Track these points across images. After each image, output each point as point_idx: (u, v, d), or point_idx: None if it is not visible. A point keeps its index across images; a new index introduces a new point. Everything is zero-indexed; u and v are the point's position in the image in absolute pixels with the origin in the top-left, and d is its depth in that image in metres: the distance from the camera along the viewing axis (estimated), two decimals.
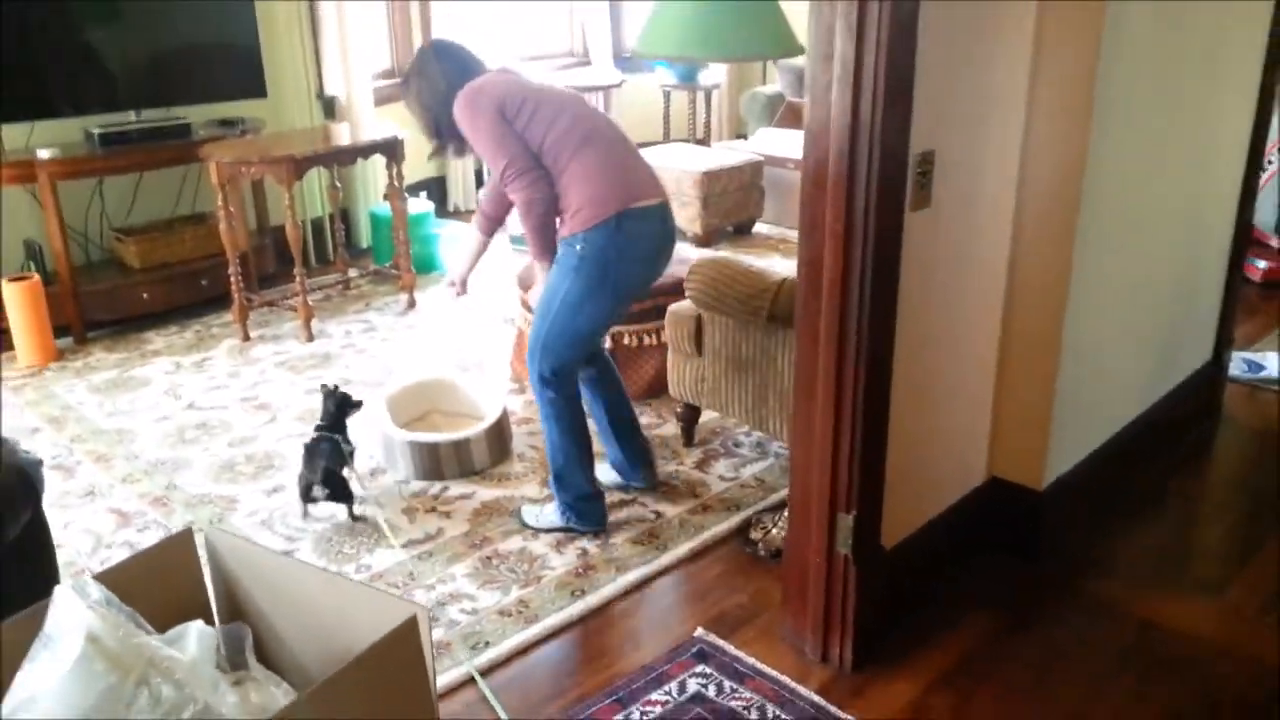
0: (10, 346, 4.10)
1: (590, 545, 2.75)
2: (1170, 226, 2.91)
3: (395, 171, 4.53)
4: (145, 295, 4.38)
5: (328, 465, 2.85)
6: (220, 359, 4.12)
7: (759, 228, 5.82)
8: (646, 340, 3.61)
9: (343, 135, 4.71)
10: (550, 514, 2.82)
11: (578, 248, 2.57)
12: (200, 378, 3.94)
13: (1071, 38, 2.29)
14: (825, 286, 2.03)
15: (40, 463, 1.99)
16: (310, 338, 4.29)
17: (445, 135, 2.81)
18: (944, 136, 2.15)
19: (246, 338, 4.31)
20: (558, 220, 2.64)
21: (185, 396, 3.77)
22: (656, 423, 3.48)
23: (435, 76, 2.76)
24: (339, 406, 3.02)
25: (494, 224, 2.98)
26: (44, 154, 4.04)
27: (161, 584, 1.50)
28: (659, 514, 2.91)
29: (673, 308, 3.17)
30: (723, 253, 5.20)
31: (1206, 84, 2.84)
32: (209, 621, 1.57)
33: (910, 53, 1.94)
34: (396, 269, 4.71)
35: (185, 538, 1.59)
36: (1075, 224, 2.41)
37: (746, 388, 2.98)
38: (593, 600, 2.53)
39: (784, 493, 2.85)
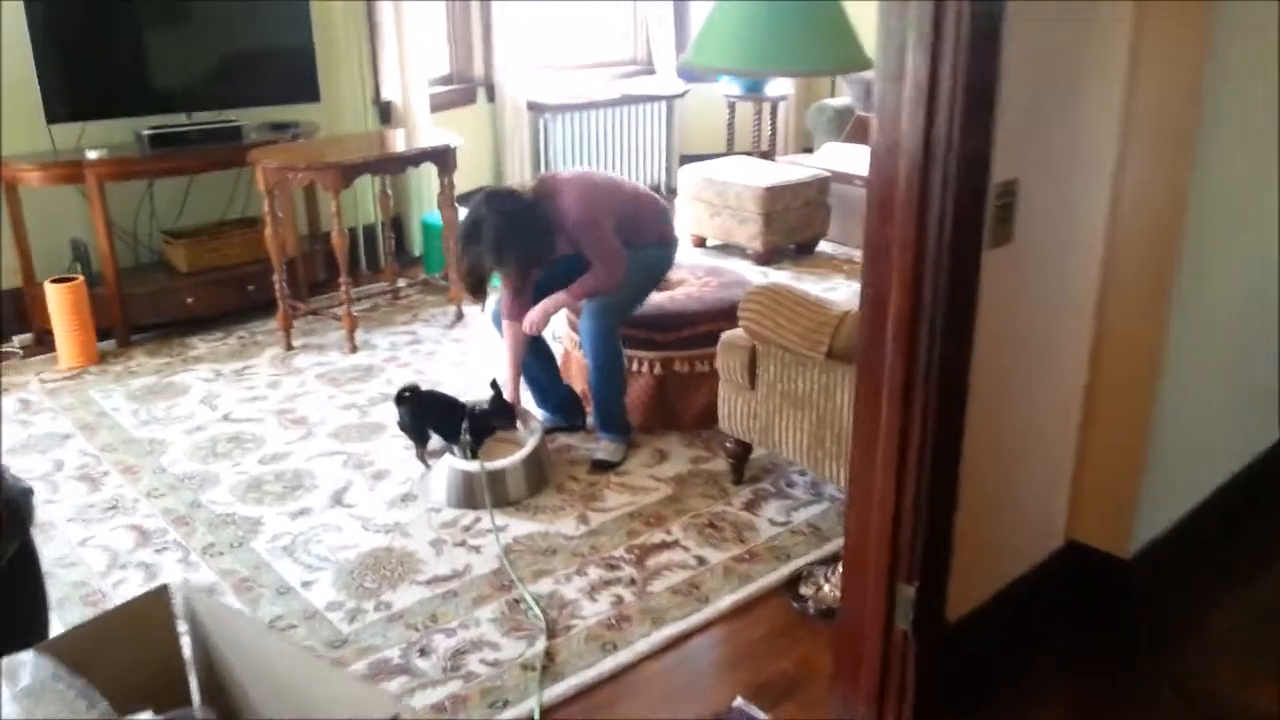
0: (52, 348, 4.05)
1: (626, 592, 2.56)
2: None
3: (447, 180, 4.39)
4: (190, 300, 4.30)
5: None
6: (261, 368, 4.02)
7: (823, 246, 5.58)
8: (698, 367, 3.41)
9: (397, 141, 4.59)
10: (622, 448, 3.27)
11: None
12: (238, 387, 3.83)
13: (1173, 51, 2.04)
14: (890, 329, 1.81)
15: (30, 491, 1.86)
16: (354, 348, 4.17)
17: (538, 260, 3.11)
18: (1028, 164, 1.92)
19: (290, 346, 4.20)
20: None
21: (221, 407, 3.67)
22: (704, 456, 3.27)
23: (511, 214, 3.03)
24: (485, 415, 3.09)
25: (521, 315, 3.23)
26: (92, 155, 3.98)
27: (131, 649, 1.35)
28: (702, 560, 2.71)
29: (725, 336, 2.96)
30: (782, 275, 4.98)
31: None
32: (182, 695, 1.40)
33: (993, 67, 1.72)
34: (446, 280, 4.57)
35: (160, 597, 1.43)
36: (1174, 262, 2.16)
37: (802, 426, 2.76)
38: (624, 656, 2.33)
39: (838, 543, 2.63)
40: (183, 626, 1.54)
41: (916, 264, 1.75)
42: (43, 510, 2.95)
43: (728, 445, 3.10)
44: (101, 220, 4.04)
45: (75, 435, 3.45)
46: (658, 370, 3.40)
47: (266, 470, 3.20)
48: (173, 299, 4.28)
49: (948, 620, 2.02)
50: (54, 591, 2.45)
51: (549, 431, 3.40)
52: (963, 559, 2.00)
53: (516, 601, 2.53)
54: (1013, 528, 2.24)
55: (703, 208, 5.47)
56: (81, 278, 4.02)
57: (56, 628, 2.03)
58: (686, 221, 5.48)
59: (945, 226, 1.73)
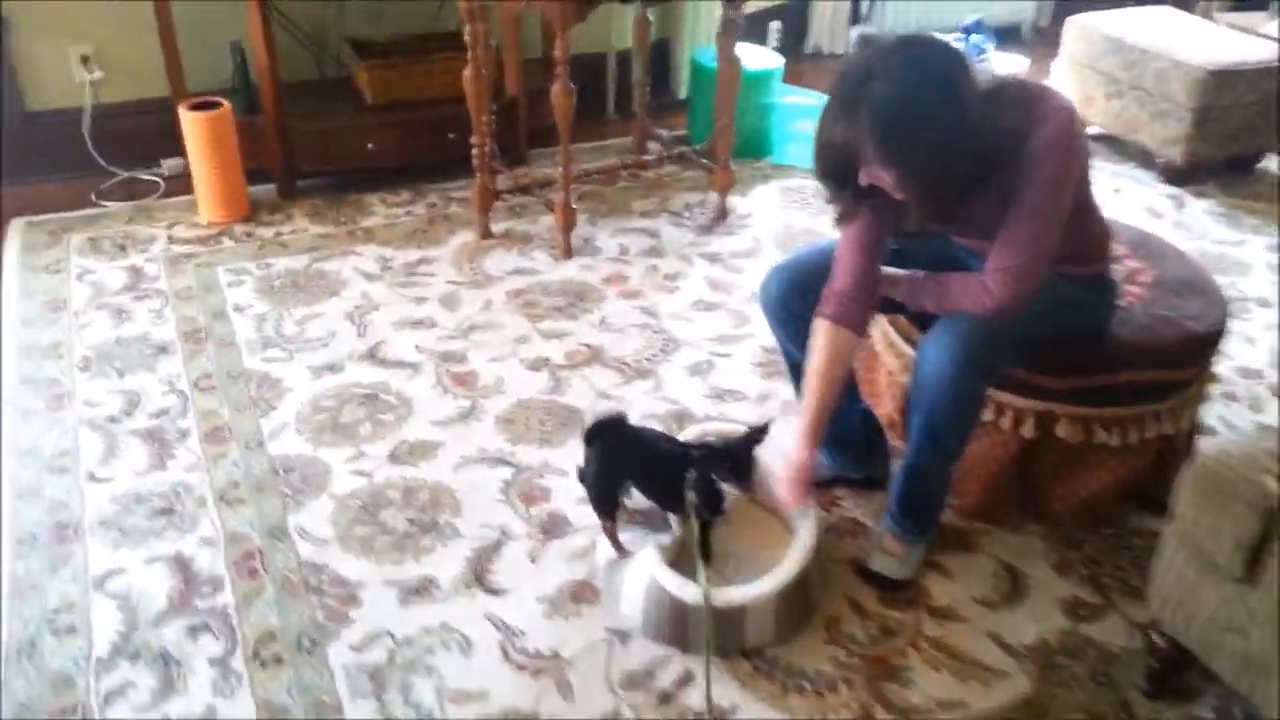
0: (189, 192, 3.09)
1: None
2: None
3: (731, 6, 2.95)
4: (372, 145, 3.20)
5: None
6: (441, 266, 2.90)
7: (1269, 163, 3.73)
8: (1100, 437, 1.98)
9: None
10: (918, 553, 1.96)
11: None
12: (404, 297, 2.74)
13: None
14: None
15: None
16: (568, 252, 2.96)
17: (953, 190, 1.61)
18: None
19: (486, 233, 3.05)
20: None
21: (373, 330, 2.60)
22: (1087, 603, 1.90)
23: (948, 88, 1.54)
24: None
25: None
26: None
27: None
28: None
29: (1208, 458, 1.52)
30: (1200, 210, 3.11)
31: None
32: None
33: None
34: (711, 159, 3.22)
35: None
36: None
37: None
38: None
39: None
40: None
41: None
42: (61, 491, 2.03)
43: (1154, 638, 1.71)
44: (258, 22, 2.93)
45: (173, 350, 2.50)
46: (1027, 429, 1.99)
47: (393, 476, 2.12)
48: (350, 141, 3.19)
49: None
50: None
51: (826, 484, 2.13)
52: None
53: None
54: None
55: (1096, 81, 3.73)
56: (227, 106, 2.97)
57: None
58: (1064, 92, 3.76)
59: None
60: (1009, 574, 1.98)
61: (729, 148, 3.11)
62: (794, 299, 1.92)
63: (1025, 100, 1.61)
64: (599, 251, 3.01)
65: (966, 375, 1.72)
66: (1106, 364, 1.94)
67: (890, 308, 1.92)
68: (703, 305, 2.78)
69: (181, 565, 1.88)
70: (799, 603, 1.81)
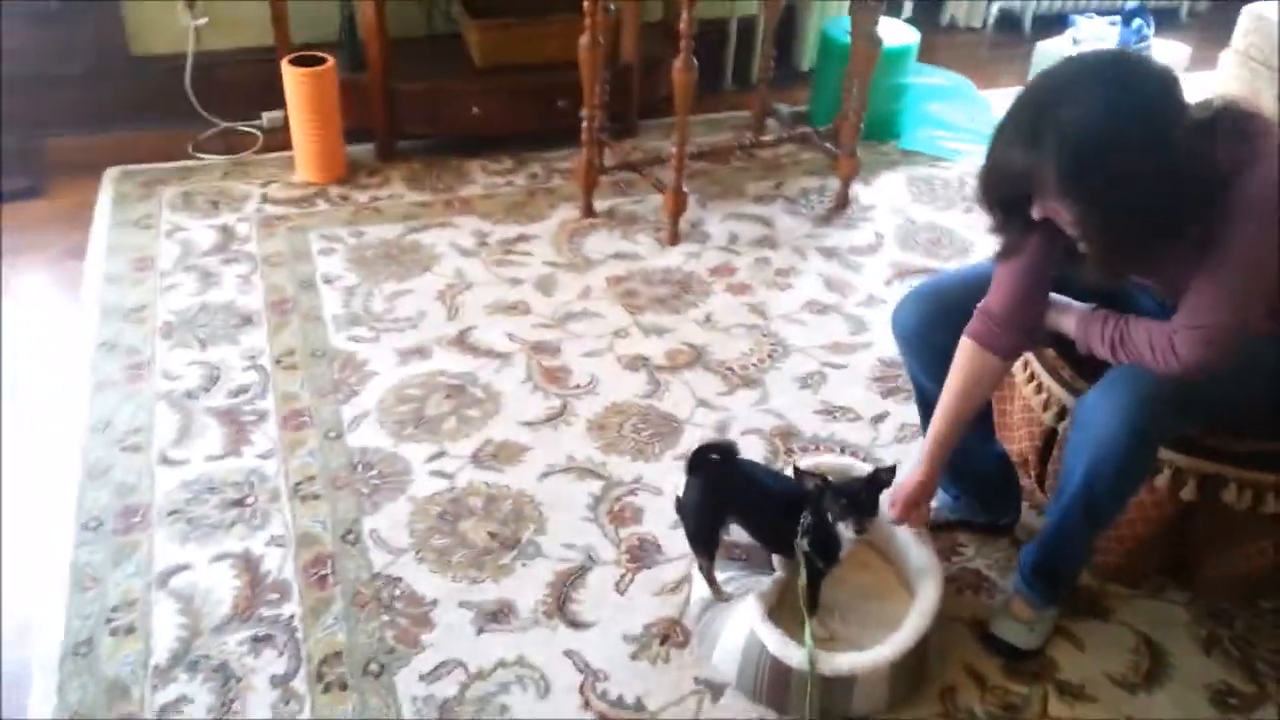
0: (287, 148, 2.97)
1: None
2: None
3: None
4: (477, 110, 3.03)
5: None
6: (540, 245, 2.74)
7: None
8: (1271, 505, 1.72)
9: None
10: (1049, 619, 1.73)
11: None
12: (499, 277, 2.59)
13: None
14: None
15: None
16: (675, 238, 2.77)
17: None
18: None
19: (589, 211, 2.87)
20: None
21: (464, 312, 2.45)
22: (1238, 690, 1.67)
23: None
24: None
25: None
26: None
27: None
28: None
29: None
30: None
31: None
32: None
33: None
34: (835, 143, 2.97)
35: None
36: None
37: None
38: None
39: None
40: None
41: None
42: (132, 473, 1.94)
43: None
44: None
45: (258, 321, 2.39)
46: (1188, 491, 1.74)
47: (476, 481, 1.98)
48: (455, 104, 3.03)
49: None
50: None
51: (944, 527, 1.92)
52: None
53: None
54: None
55: (1270, 79, 3.35)
56: (331, 63, 2.83)
57: None
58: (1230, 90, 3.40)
59: None
60: (1148, 649, 1.76)
61: (857, 133, 2.86)
62: (933, 330, 1.70)
63: (1241, 134, 1.35)
64: (707, 238, 2.81)
65: (1141, 443, 1.48)
66: None
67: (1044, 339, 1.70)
68: (817, 307, 2.56)
69: (249, 566, 1.77)
70: (915, 671, 1.62)
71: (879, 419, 2.21)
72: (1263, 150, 1.34)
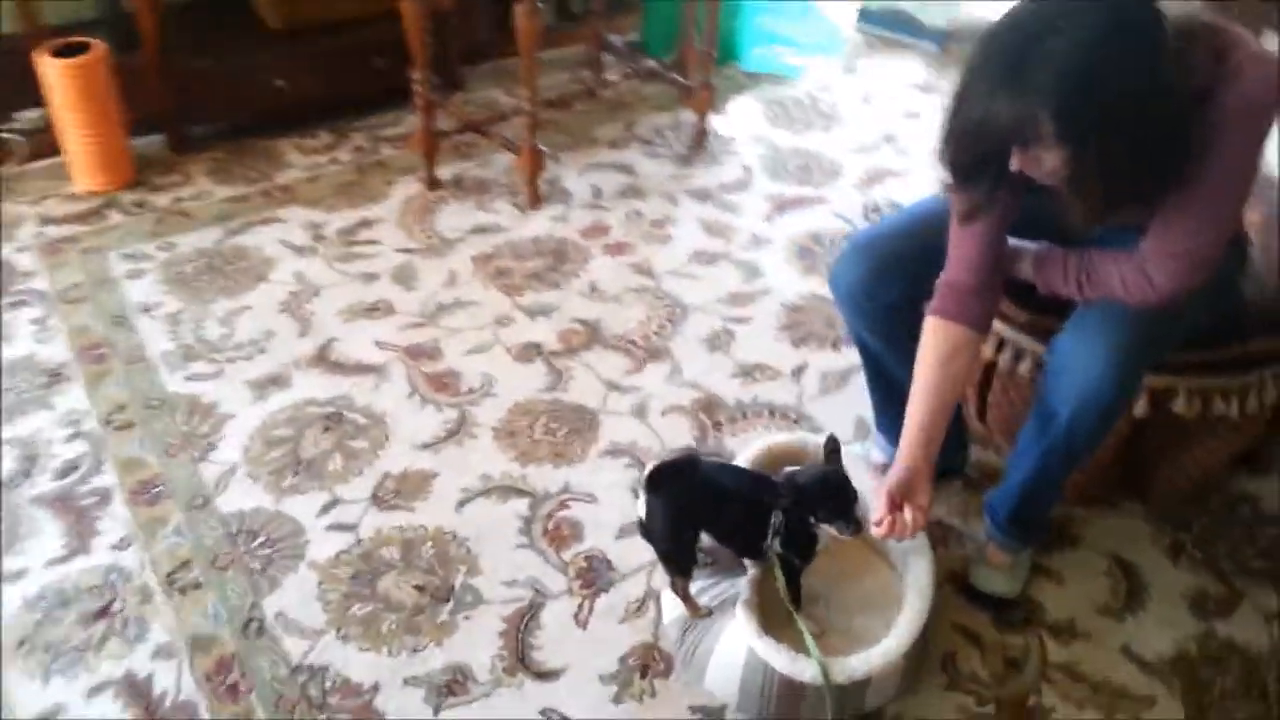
0: (57, 152, 2.50)
1: None
2: None
3: None
4: (280, 81, 2.64)
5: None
6: (386, 229, 2.42)
7: None
8: (1219, 408, 1.69)
9: None
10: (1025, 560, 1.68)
11: None
12: (347, 273, 2.27)
13: None
14: None
15: None
16: (536, 201, 2.51)
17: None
18: None
19: (433, 183, 2.56)
20: None
21: (317, 320, 2.13)
22: (1216, 598, 1.65)
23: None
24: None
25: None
26: None
27: None
28: None
29: None
30: None
31: None
32: None
33: None
34: (680, 72, 2.75)
35: None
36: None
37: None
38: None
39: None
40: None
41: None
42: None
43: None
44: None
45: (70, 373, 1.99)
46: (1140, 407, 1.69)
47: (383, 526, 1.70)
48: (252, 78, 2.62)
49: None
50: None
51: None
52: None
53: None
54: None
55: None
56: (99, 48, 2.37)
57: None
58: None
59: None
60: (1121, 569, 1.73)
61: (711, 60, 2.65)
62: (878, 285, 1.55)
63: (1215, 49, 1.23)
64: (569, 196, 2.56)
65: (1126, 383, 1.39)
66: (1240, 333, 1.64)
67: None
68: (704, 257, 2.38)
69: (138, 692, 1.45)
70: (920, 653, 1.51)
71: (799, 372, 2.07)
72: (1236, 66, 1.23)
